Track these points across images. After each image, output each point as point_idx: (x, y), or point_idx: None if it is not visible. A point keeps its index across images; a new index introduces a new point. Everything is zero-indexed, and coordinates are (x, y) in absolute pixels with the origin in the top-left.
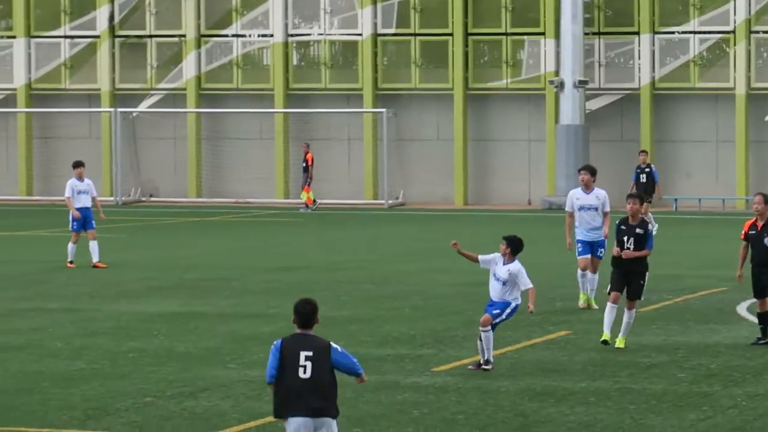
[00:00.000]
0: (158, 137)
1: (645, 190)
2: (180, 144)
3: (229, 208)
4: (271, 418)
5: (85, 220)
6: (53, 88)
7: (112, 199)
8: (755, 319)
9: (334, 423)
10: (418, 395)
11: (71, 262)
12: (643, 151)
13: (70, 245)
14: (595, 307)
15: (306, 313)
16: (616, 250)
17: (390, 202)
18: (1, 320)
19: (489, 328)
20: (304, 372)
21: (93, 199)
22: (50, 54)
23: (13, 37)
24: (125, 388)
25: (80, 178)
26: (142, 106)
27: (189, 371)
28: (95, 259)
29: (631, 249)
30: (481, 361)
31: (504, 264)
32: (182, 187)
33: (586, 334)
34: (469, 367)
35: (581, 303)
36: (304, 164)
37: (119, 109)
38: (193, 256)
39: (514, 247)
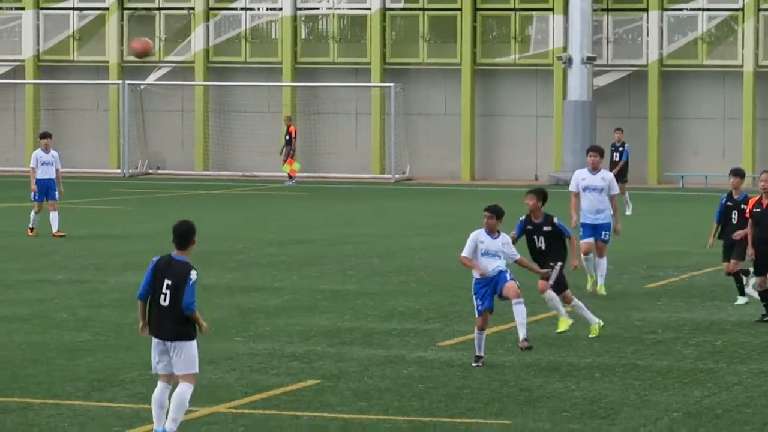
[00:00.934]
0: (166, 110)
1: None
2: (187, 117)
3: (236, 181)
4: (276, 391)
5: (47, 191)
6: (61, 60)
7: (119, 171)
8: None
9: (192, 343)
10: (423, 370)
11: (31, 230)
12: (618, 129)
13: (32, 214)
14: (603, 293)
15: (181, 233)
16: (532, 265)
17: (397, 176)
18: (8, 291)
19: (484, 331)
20: (164, 300)
21: (57, 171)
22: (58, 26)
23: (22, 8)
24: (130, 359)
25: (46, 150)
26: (150, 79)
27: None
28: (54, 228)
29: (543, 247)
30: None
31: (494, 238)
32: (189, 160)
33: (592, 311)
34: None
35: (589, 287)
36: (287, 137)
37: (127, 82)
38: (200, 228)
39: (499, 216)
